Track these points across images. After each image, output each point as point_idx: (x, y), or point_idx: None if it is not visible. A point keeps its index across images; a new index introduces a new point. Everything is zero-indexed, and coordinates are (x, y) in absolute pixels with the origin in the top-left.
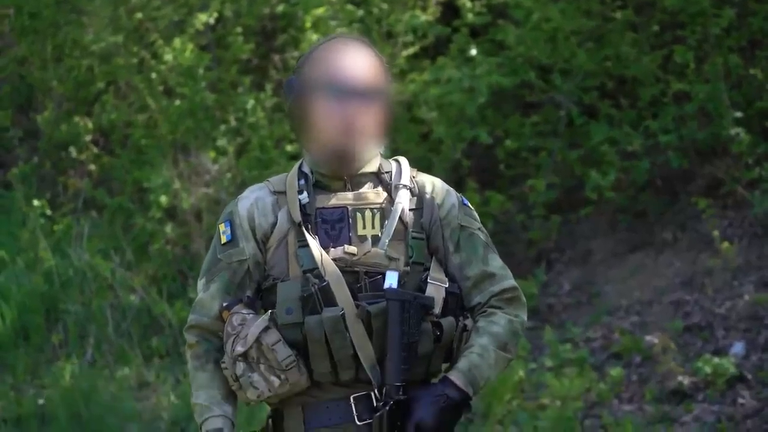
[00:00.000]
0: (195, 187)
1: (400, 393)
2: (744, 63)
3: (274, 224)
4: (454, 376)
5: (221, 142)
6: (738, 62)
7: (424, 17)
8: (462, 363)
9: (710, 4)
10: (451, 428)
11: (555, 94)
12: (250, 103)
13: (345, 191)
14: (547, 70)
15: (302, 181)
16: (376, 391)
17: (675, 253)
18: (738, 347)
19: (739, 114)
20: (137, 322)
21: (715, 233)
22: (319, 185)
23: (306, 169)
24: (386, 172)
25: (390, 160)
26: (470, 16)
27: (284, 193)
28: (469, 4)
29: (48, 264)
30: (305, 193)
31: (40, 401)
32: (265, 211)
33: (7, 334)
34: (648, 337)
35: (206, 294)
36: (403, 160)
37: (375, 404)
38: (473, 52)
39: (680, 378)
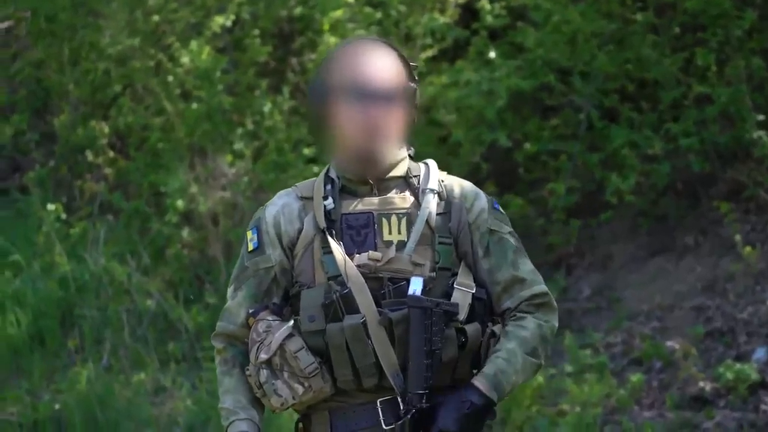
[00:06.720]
0: (212, 190)
1: (423, 400)
2: (766, 65)
3: (300, 230)
4: (479, 381)
5: (238, 145)
6: (760, 64)
7: (442, 20)
8: (488, 368)
9: (732, 6)
10: None
11: (575, 97)
12: (268, 106)
13: (371, 196)
14: (566, 72)
15: (329, 187)
16: (399, 398)
17: (696, 258)
18: (760, 353)
19: (761, 117)
20: (153, 326)
21: (737, 237)
22: (345, 190)
23: (333, 174)
24: (414, 176)
25: (419, 163)
26: (489, 19)
27: (311, 198)
28: (488, 7)
29: (64, 268)
30: (330, 199)
31: (56, 406)
32: (291, 218)
33: (23, 339)
34: (669, 343)
35: (234, 301)
36: (432, 163)
37: (400, 410)
38: (492, 54)
39: (701, 384)
